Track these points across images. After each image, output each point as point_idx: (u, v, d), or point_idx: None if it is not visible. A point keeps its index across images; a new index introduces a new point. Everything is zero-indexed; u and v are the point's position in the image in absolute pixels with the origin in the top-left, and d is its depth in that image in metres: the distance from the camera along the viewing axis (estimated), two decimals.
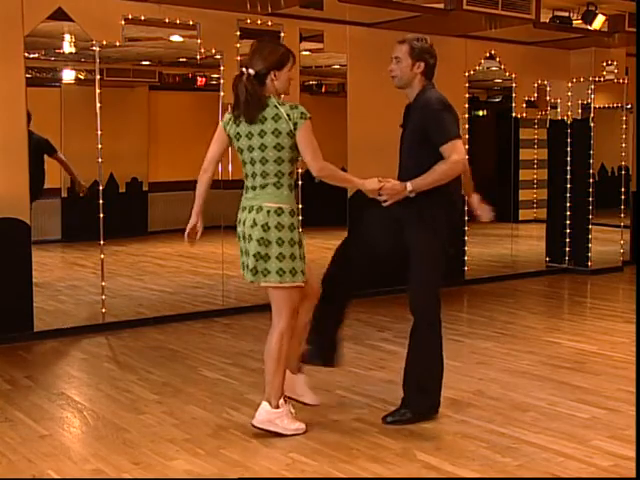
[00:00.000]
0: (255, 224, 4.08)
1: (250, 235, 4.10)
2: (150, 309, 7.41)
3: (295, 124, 4.04)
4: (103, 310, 6.84)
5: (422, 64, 4.35)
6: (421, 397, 4.46)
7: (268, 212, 4.07)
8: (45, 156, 8.26)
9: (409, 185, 4.21)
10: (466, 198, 4.71)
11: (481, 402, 4.82)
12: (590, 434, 4.28)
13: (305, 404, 4.46)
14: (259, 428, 4.21)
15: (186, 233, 4.29)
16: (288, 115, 4.04)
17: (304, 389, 4.46)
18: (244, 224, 4.15)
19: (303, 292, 4.26)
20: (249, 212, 4.13)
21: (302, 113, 4.05)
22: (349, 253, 4.57)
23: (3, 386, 5.20)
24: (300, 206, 7.72)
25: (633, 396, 4.75)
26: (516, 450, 4.06)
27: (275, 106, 4.06)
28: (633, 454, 3.83)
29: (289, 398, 4.36)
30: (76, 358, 6.06)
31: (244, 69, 4.10)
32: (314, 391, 4.54)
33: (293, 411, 4.32)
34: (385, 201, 4.26)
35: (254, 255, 4.09)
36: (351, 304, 4.63)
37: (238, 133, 4.13)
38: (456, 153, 4.17)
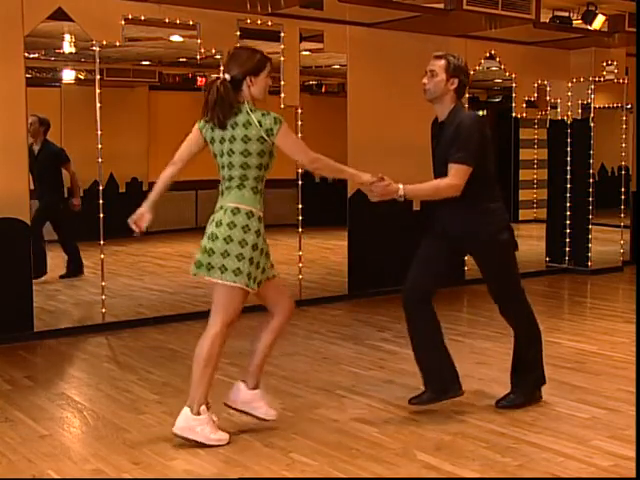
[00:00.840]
0: (220, 221, 4.07)
1: (213, 233, 4.08)
2: (150, 309, 7.41)
3: (269, 130, 4.01)
4: (103, 310, 6.84)
5: (456, 80, 4.47)
6: (529, 377, 4.80)
7: (225, 211, 4.08)
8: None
9: (401, 190, 4.27)
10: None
11: (481, 402, 4.82)
12: (590, 434, 4.28)
13: (260, 419, 4.32)
14: (179, 436, 4.08)
15: (132, 220, 4.18)
16: (259, 122, 4.02)
17: (260, 403, 4.34)
18: (210, 224, 4.14)
19: (275, 306, 4.25)
20: (217, 212, 4.14)
21: (275, 119, 4.03)
22: (414, 272, 4.63)
23: (3, 386, 5.20)
24: (300, 206, 7.73)
25: (633, 396, 4.75)
26: (516, 450, 4.06)
27: (247, 112, 4.05)
28: (633, 454, 3.83)
29: (244, 413, 4.30)
30: (76, 358, 6.06)
31: (221, 74, 4.11)
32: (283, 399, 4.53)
33: (216, 419, 4.19)
34: (371, 197, 4.31)
35: (203, 248, 4.07)
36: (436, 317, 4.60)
37: (213, 138, 4.14)
38: (458, 178, 4.33)
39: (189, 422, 4.07)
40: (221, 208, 4.11)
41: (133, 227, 4.19)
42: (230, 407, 4.34)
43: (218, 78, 4.08)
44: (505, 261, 4.61)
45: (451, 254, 4.69)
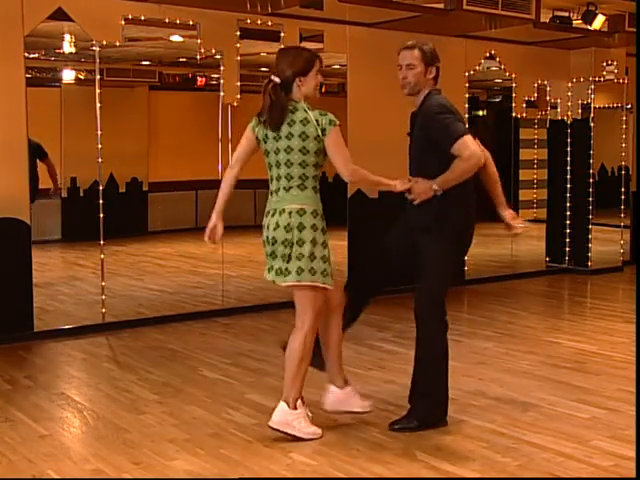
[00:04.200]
0: (278, 226, 4.10)
1: (274, 237, 4.12)
2: (150, 309, 7.40)
3: (324, 130, 4.08)
4: (103, 310, 6.84)
5: (434, 69, 4.36)
6: (425, 403, 4.38)
7: (290, 213, 4.09)
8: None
9: (435, 185, 4.20)
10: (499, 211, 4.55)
11: (481, 402, 4.82)
12: (590, 434, 4.28)
13: (360, 413, 4.43)
14: (275, 429, 4.18)
15: (206, 235, 4.25)
16: (317, 120, 4.08)
17: (355, 398, 4.43)
18: (268, 228, 4.16)
19: (329, 302, 4.26)
20: (272, 216, 4.15)
21: (331, 120, 4.10)
22: (371, 259, 4.66)
23: (3, 386, 5.20)
24: None
25: (633, 396, 4.75)
26: (516, 450, 4.06)
27: (304, 110, 4.10)
28: (633, 454, 3.83)
29: (344, 412, 4.39)
30: (76, 358, 6.05)
31: (271, 77, 4.14)
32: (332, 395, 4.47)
33: (310, 414, 4.29)
34: (414, 200, 4.27)
35: (279, 256, 4.12)
36: (367, 307, 4.64)
37: (266, 135, 4.16)
38: (466, 149, 4.11)
39: (286, 416, 4.17)
40: (283, 211, 4.11)
41: (208, 241, 4.25)
42: (330, 412, 4.41)
43: (270, 81, 4.12)
44: (442, 263, 4.33)
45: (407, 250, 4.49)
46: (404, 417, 4.39)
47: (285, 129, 4.10)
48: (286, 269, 4.11)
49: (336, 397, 4.39)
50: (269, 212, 4.19)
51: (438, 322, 4.32)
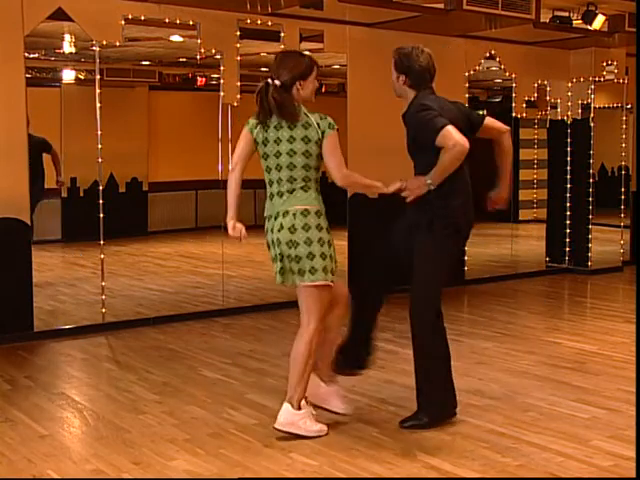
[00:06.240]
0: (282, 228, 4.13)
1: (279, 239, 4.13)
2: (150, 309, 7.41)
3: (323, 132, 4.11)
4: (103, 310, 6.84)
5: (403, 76, 4.40)
6: (431, 399, 4.38)
7: (294, 215, 4.11)
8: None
9: (428, 179, 4.23)
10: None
11: (481, 402, 4.82)
12: (590, 434, 4.28)
13: (337, 413, 4.42)
14: (281, 431, 4.18)
15: (234, 236, 4.21)
16: (318, 124, 4.12)
17: (337, 399, 4.43)
18: (272, 231, 4.18)
19: (332, 298, 4.26)
20: (275, 219, 4.17)
21: (330, 124, 4.14)
22: (377, 259, 4.67)
23: (3, 386, 5.20)
24: None
25: (633, 396, 4.75)
26: (516, 450, 4.06)
27: (305, 114, 4.14)
28: (633, 454, 3.83)
29: (320, 408, 4.37)
30: (76, 358, 6.05)
31: (270, 80, 4.15)
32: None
33: (314, 412, 4.29)
34: (408, 197, 4.28)
35: (285, 257, 4.14)
36: (383, 308, 4.63)
37: (266, 139, 4.17)
38: (449, 139, 4.12)
39: (293, 417, 4.18)
40: (287, 213, 4.13)
41: (239, 237, 4.22)
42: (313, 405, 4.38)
43: (268, 83, 4.13)
44: (435, 258, 4.37)
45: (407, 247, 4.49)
46: (414, 415, 4.41)
47: (287, 132, 4.12)
48: (299, 270, 4.13)
49: (318, 391, 4.38)
50: (271, 215, 4.20)
51: (433, 320, 4.33)
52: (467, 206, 4.42)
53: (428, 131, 4.20)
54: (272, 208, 4.21)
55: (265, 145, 4.18)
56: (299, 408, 4.18)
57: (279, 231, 4.14)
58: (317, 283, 4.13)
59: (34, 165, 8.27)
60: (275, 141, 4.14)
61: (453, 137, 4.13)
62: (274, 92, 4.11)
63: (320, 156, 4.14)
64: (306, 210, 4.12)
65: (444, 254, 4.39)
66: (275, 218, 4.17)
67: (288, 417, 4.17)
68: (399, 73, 4.42)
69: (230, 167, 4.33)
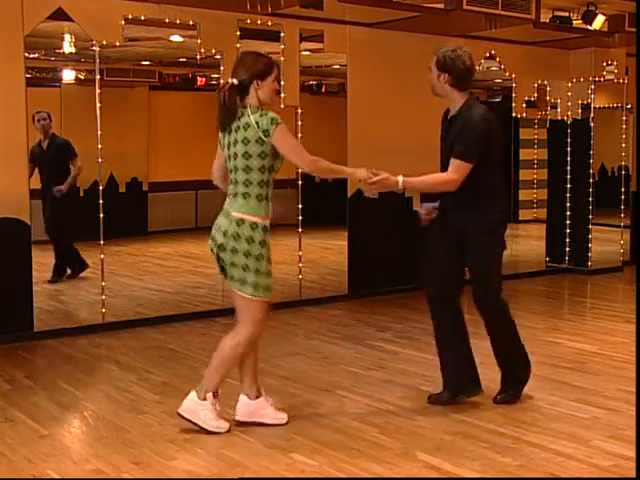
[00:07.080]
0: (219, 227, 4.16)
1: (214, 237, 4.18)
2: (150, 309, 7.40)
3: (266, 131, 4.05)
4: (103, 310, 6.84)
5: (446, 75, 4.53)
6: (516, 370, 4.79)
7: (231, 221, 4.12)
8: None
9: (401, 183, 4.35)
10: None
11: (481, 402, 4.82)
12: (590, 434, 4.28)
13: (275, 425, 4.36)
14: (182, 417, 4.23)
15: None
16: (257, 123, 4.06)
17: (269, 412, 4.39)
18: (214, 226, 4.22)
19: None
20: (221, 215, 4.21)
21: (272, 119, 4.07)
22: (435, 271, 4.87)
23: (3, 386, 5.20)
24: (300, 206, 7.72)
25: (633, 396, 4.75)
26: (516, 450, 4.06)
27: (248, 115, 4.10)
28: (633, 454, 3.83)
29: (258, 424, 4.32)
30: (76, 358, 6.05)
31: (229, 79, 4.15)
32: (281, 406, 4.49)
33: (219, 408, 4.29)
34: (372, 185, 4.37)
35: (220, 257, 4.19)
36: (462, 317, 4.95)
37: (227, 143, 4.20)
38: (457, 173, 4.39)
39: (195, 406, 4.22)
40: (228, 215, 4.15)
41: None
42: (240, 422, 4.36)
43: (227, 83, 4.13)
44: (490, 252, 4.86)
45: (457, 251, 4.76)
46: (502, 389, 4.74)
47: (233, 136, 4.12)
48: (231, 277, 4.17)
49: (246, 408, 4.36)
50: (220, 213, 4.23)
51: (502, 304, 4.88)
52: (502, 210, 4.94)
53: (463, 145, 4.39)
54: (224, 206, 4.24)
55: (224, 149, 4.23)
56: (204, 399, 4.21)
57: (217, 230, 4.18)
58: (245, 296, 4.15)
59: (55, 167, 8.28)
60: (227, 145, 4.19)
61: (458, 175, 4.39)
62: (227, 91, 4.10)
63: (263, 156, 4.09)
64: (241, 220, 4.11)
65: (500, 248, 4.93)
66: (223, 216, 4.19)
67: (191, 405, 4.23)
68: (441, 72, 4.52)
69: (212, 176, 4.44)
